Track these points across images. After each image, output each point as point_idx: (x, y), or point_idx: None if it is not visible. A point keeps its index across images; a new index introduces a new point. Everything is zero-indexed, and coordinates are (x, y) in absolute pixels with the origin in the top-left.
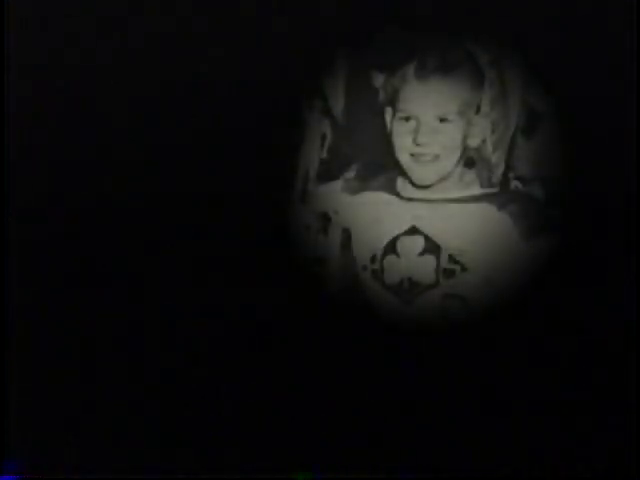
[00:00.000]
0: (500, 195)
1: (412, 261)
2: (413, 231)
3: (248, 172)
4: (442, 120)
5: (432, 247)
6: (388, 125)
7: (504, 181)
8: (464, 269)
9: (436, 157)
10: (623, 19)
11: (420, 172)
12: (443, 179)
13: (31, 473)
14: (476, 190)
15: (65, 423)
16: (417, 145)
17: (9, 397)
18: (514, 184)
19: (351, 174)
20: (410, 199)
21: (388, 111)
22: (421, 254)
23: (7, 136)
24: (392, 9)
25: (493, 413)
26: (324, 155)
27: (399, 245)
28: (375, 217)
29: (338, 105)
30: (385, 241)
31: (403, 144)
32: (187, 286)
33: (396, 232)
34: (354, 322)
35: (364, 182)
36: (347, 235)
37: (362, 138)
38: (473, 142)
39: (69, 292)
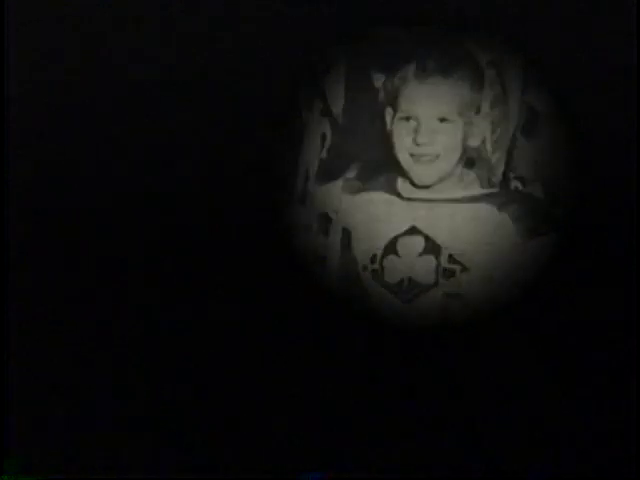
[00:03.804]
0: (500, 195)
1: (412, 261)
2: (413, 231)
3: (248, 172)
4: (442, 120)
5: (432, 247)
6: (388, 125)
7: (504, 181)
8: (464, 269)
9: (436, 157)
10: (623, 19)
11: (420, 172)
12: (443, 179)
13: (31, 473)
14: (476, 190)
15: (65, 423)
16: (417, 145)
17: (9, 397)
18: (514, 184)
19: (351, 174)
20: (410, 199)
21: (388, 111)
22: (421, 254)
23: (7, 137)
24: (392, 9)
25: (493, 413)
26: (324, 155)
27: (399, 245)
28: (375, 217)
29: (338, 105)
30: (385, 241)
31: (403, 144)
32: (187, 287)
33: (396, 232)
34: (354, 322)
35: (364, 182)
36: (347, 235)
37: (362, 138)
38: (473, 142)
39: (69, 292)
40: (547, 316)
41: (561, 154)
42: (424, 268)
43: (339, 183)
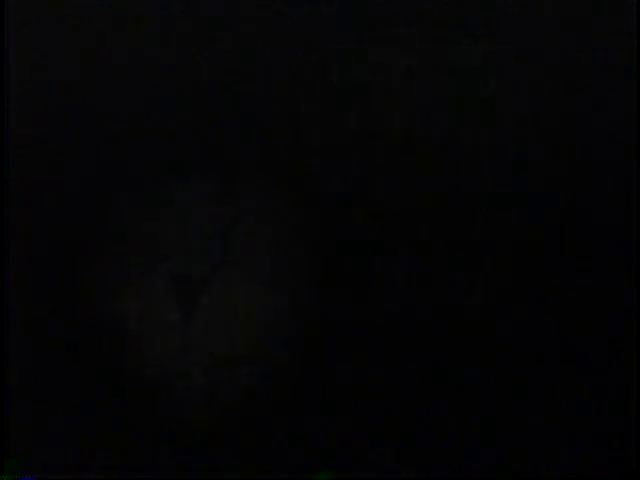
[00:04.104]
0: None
1: None
2: None
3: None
4: None
5: None
6: None
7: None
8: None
9: None
10: (623, 19)
11: None
12: None
13: (32, 473)
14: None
15: (65, 423)
16: None
17: (9, 397)
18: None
19: None
20: None
21: None
22: None
23: (7, 137)
24: (392, 9)
25: (494, 413)
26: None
27: None
28: None
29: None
30: None
31: None
32: (187, 286)
33: None
34: (355, 322)
35: None
36: None
37: None
38: None
39: (69, 292)
40: (547, 316)
41: (561, 153)
42: None
43: None
